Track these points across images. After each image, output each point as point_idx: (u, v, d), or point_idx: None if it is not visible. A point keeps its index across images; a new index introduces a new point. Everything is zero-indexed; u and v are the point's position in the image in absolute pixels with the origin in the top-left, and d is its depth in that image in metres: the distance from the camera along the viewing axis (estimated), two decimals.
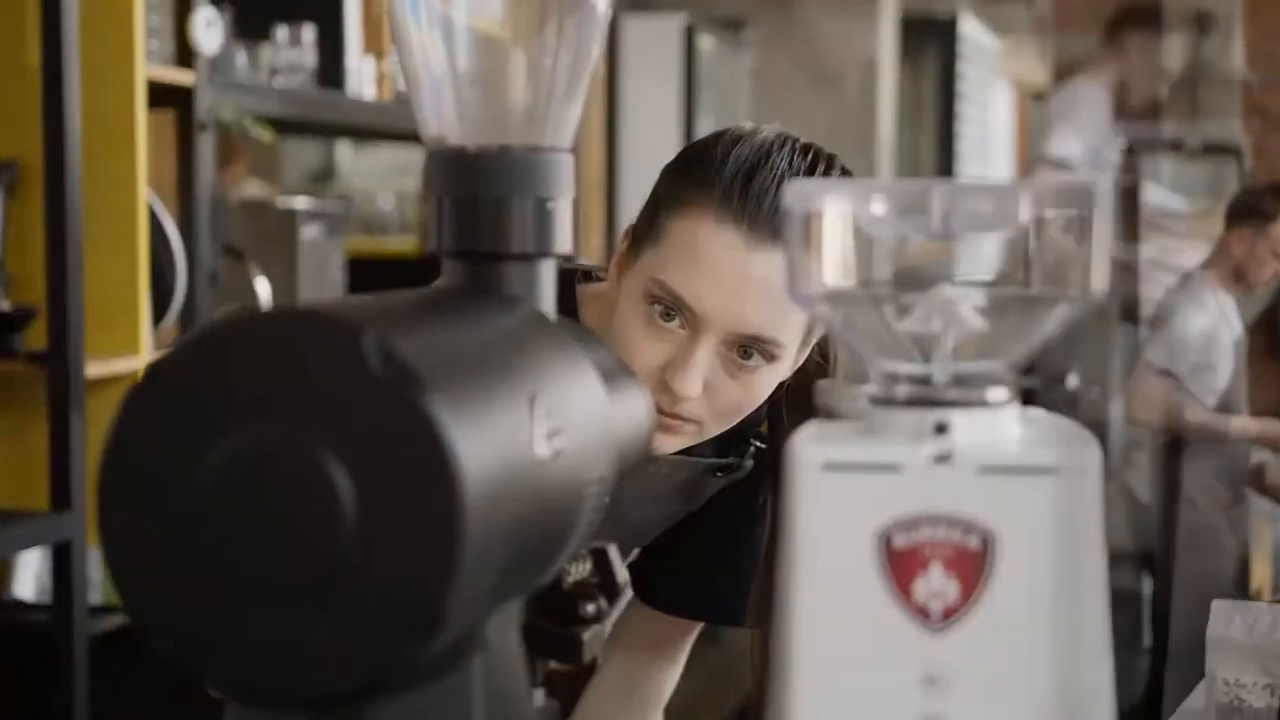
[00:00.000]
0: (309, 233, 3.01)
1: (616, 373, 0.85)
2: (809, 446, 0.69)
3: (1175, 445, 4.08)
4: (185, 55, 2.62)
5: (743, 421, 1.34)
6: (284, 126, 3.12)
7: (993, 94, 8.11)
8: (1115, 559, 4.96)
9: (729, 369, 1.25)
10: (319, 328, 0.61)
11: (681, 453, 1.35)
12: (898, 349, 0.72)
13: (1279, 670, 1.90)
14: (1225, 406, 4.00)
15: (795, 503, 0.69)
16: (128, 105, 2.43)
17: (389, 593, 0.60)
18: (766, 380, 1.27)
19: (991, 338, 0.71)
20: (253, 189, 4.03)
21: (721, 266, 1.21)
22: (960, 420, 0.69)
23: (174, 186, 2.61)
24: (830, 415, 0.76)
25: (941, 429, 0.69)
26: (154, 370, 0.62)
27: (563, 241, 0.81)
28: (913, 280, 0.73)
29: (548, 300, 0.80)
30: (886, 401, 0.71)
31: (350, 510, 0.60)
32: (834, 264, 0.72)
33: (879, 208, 0.71)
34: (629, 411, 0.84)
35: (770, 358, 1.25)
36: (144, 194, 2.45)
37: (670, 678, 1.51)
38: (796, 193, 0.71)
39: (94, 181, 2.40)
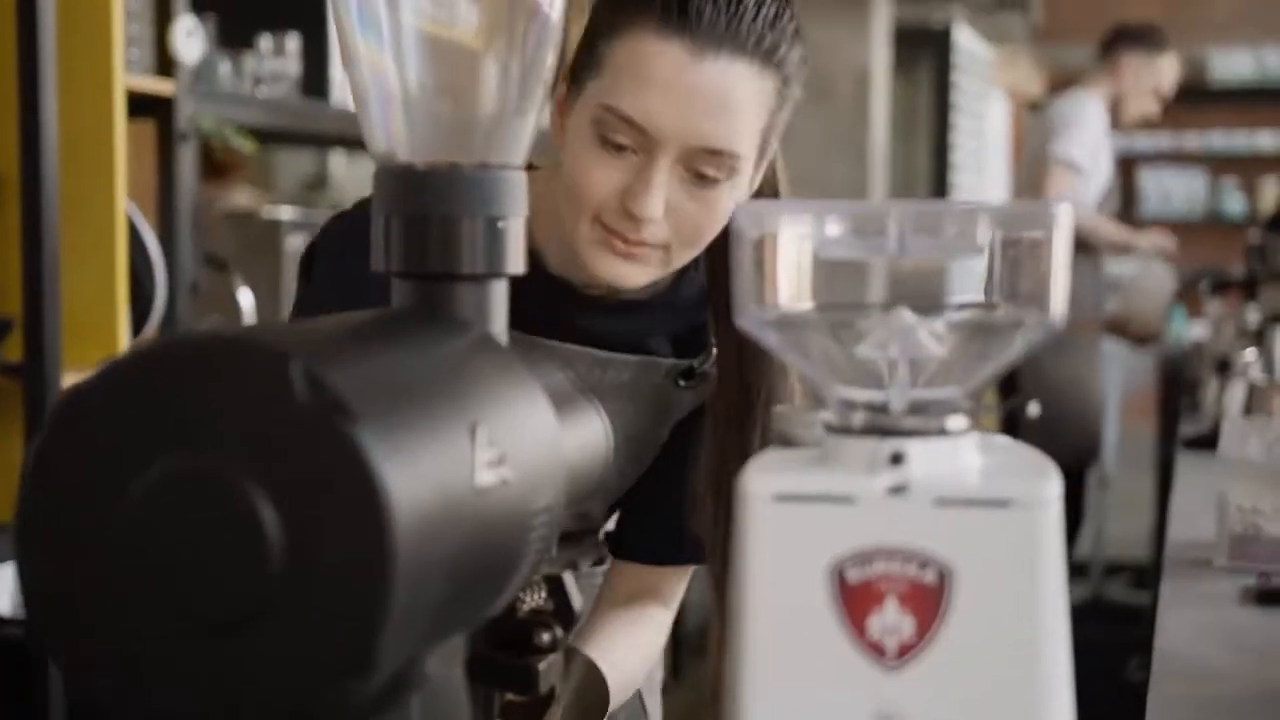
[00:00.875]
0: (294, 243, 2.98)
1: (569, 396, 0.83)
2: (760, 477, 0.67)
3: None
4: (166, 65, 2.59)
5: (699, 328, 1.37)
6: (268, 136, 3.10)
7: (988, 104, 8.09)
8: None
9: (688, 189, 1.23)
10: (245, 354, 0.59)
11: (641, 352, 1.36)
12: (854, 374, 0.70)
13: None
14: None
15: (746, 535, 0.66)
16: (106, 115, 2.40)
17: (318, 631, 0.58)
18: (726, 199, 1.24)
19: (951, 363, 0.69)
20: (245, 198, 4.00)
21: (669, 81, 1.19)
22: (917, 450, 0.66)
23: (155, 196, 2.58)
24: (786, 442, 0.74)
25: (897, 459, 0.66)
26: (76, 395, 0.60)
27: (515, 262, 0.78)
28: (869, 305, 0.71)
29: (499, 321, 0.78)
30: (842, 430, 0.68)
31: (276, 545, 0.58)
32: (787, 287, 0.69)
33: (834, 230, 0.68)
34: (582, 435, 0.81)
35: (730, 171, 1.23)
36: (123, 204, 2.42)
37: (666, 622, 1.48)
38: (748, 214, 0.68)
39: (72, 192, 2.38)
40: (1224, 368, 3.17)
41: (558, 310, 1.34)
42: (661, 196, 1.21)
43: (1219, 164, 9.70)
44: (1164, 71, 4.45)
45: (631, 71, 1.20)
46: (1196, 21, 9.67)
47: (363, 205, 1.36)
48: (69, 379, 2.32)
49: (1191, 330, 6.37)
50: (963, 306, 0.69)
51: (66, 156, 2.35)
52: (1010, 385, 4.19)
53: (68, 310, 2.33)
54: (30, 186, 2.30)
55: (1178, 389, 4.71)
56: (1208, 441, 2.66)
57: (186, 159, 2.60)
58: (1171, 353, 5.27)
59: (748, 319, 0.69)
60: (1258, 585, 1.72)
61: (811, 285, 0.69)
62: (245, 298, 2.83)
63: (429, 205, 0.77)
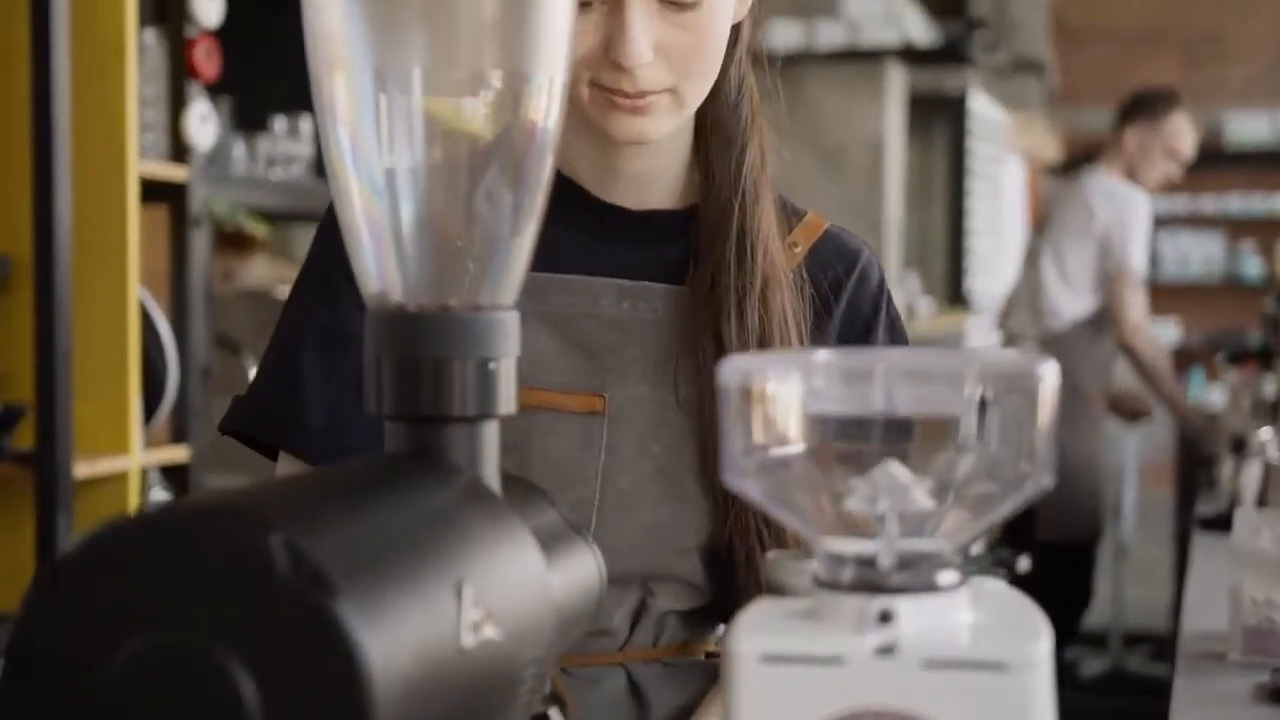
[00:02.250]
0: None
1: (561, 534, 0.82)
2: (747, 637, 0.66)
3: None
4: (180, 150, 2.61)
5: None
6: (282, 217, 3.11)
7: (1004, 168, 8.10)
8: None
9: (670, 19, 1.16)
10: (225, 526, 0.59)
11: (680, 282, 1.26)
12: (842, 526, 0.69)
13: None
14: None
15: (733, 695, 0.66)
16: (120, 201, 2.42)
17: None
18: (716, 18, 1.18)
19: (941, 516, 0.68)
20: (264, 268, 4.02)
21: None
22: (906, 607, 0.66)
23: (168, 280, 2.60)
24: (777, 590, 0.73)
25: (886, 617, 0.66)
26: (56, 569, 0.60)
27: (507, 402, 0.78)
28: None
29: (490, 463, 0.78)
30: (830, 584, 0.68)
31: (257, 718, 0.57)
32: (773, 440, 0.69)
33: (820, 382, 0.68)
34: (573, 576, 0.81)
35: None
36: (135, 290, 2.43)
37: None
38: (733, 368, 0.68)
39: (85, 278, 2.39)
40: (1239, 446, 3.15)
41: (592, 233, 1.27)
42: (644, 38, 1.15)
43: (1236, 227, 9.70)
44: (1173, 133, 4.44)
45: None
46: (1213, 85, 9.70)
47: None
48: (81, 467, 2.32)
49: (1210, 395, 6.35)
50: (953, 459, 0.69)
51: (79, 242, 2.37)
52: None
53: (79, 397, 2.34)
54: (43, 272, 2.32)
55: (1195, 459, 4.69)
56: (1224, 522, 2.65)
57: (199, 244, 2.61)
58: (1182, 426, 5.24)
59: (733, 472, 0.69)
60: (1271, 682, 1.70)
61: (798, 437, 0.69)
62: None
63: (420, 348, 0.77)
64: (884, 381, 0.68)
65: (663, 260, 1.27)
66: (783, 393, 0.68)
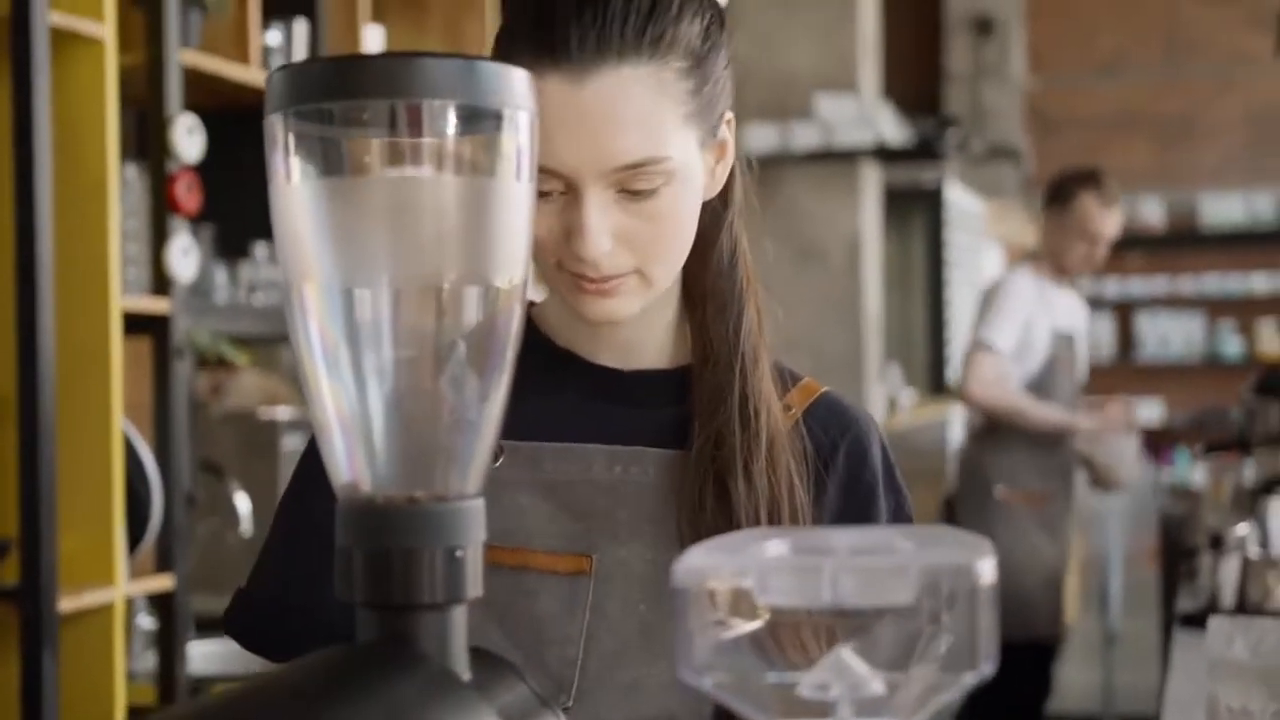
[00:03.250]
0: (291, 443, 3.02)
1: (530, 712, 0.85)
2: None
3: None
4: (162, 282, 2.65)
5: None
6: (265, 341, 3.15)
7: (982, 255, 8.18)
8: None
9: (629, 209, 1.17)
10: None
11: (674, 438, 1.25)
12: (796, 710, 0.72)
13: None
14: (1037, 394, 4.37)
15: None
16: (103, 336, 2.45)
17: None
18: (677, 203, 1.18)
19: (891, 700, 0.71)
20: (251, 383, 4.04)
21: (558, 115, 1.14)
22: None
23: (151, 411, 2.63)
24: None
25: None
26: None
27: (474, 587, 0.81)
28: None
29: (459, 646, 0.81)
30: None
31: None
32: (728, 631, 0.72)
33: (772, 577, 0.71)
34: None
35: (665, 176, 1.16)
36: (119, 423, 2.46)
37: None
38: (686, 569, 0.71)
39: (69, 412, 2.42)
40: (1217, 542, 3.17)
41: (584, 395, 1.28)
42: (602, 230, 1.16)
43: (1215, 307, 9.79)
44: (1083, 215, 4.37)
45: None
46: (1187, 168, 9.82)
47: None
48: (65, 601, 2.34)
49: (1194, 475, 6.38)
50: (900, 648, 0.72)
51: (64, 376, 2.40)
52: None
53: (64, 530, 2.36)
54: (28, 408, 2.35)
55: (1178, 546, 4.70)
56: (1203, 619, 2.67)
57: (181, 374, 2.64)
58: (1170, 510, 5.27)
59: (685, 663, 0.72)
60: None
61: (750, 629, 0.72)
62: (242, 503, 2.86)
63: (390, 539, 0.80)
64: (831, 576, 0.71)
65: (655, 423, 1.28)
66: (736, 587, 0.72)
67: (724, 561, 0.73)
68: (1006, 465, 4.33)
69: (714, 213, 1.28)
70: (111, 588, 2.44)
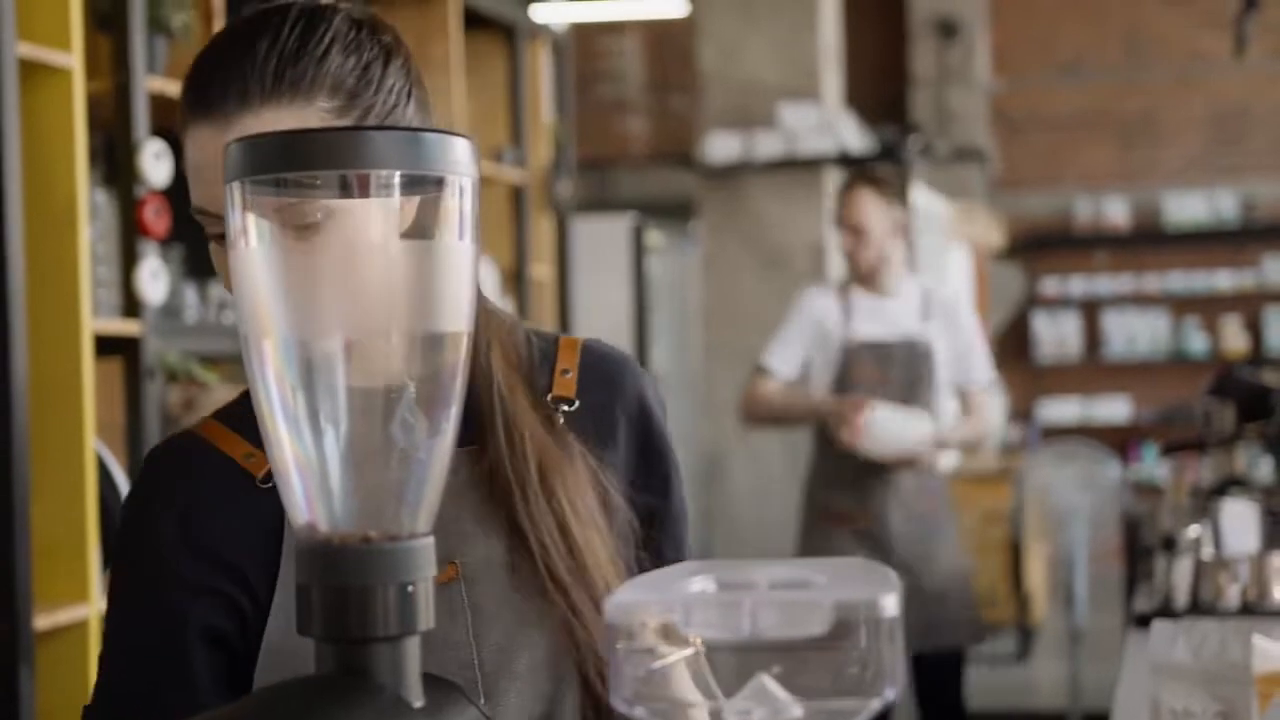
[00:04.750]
0: None
1: None
2: None
3: None
4: (132, 304, 2.70)
5: None
6: (235, 359, 3.20)
7: (949, 256, 8.25)
8: None
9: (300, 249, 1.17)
10: None
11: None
12: None
13: (1232, 695, 1.78)
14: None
15: None
16: (75, 358, 2.50)
17: None
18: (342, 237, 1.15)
19: None
20: (224, 396, 4.08)
21: (211, 160, 1.18)
22: None
23: (123, 431, 2.68)
24: None
25: None
26: None
27: (425, 619, 0.87)
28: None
29: (412, 675, 0.86)
30: None
31: None
32: (655, 662, 0.78)
33: (697, 615, 0.77)
34: None
35: (326, 213, 1.12)
36: (91, 444, 2.51)
37: None
38: (616, 604, 0.77)
39: (42, 434, 2.46)
40: (1170, 544, 3.24)
41: None
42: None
43: (1180, 304, 9.90)
44: (836, 207, 4.15)
45: (189, 168, 1.21)
46: (1150, 167, 9.93)
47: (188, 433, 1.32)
48: (40, 619, 2.39)
49: (1159, 470, 6.46)
50: (813, 675, 0.78)
51: (36, 399, 2.44)
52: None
53: (37, 549, 2.41)
54: (1, 428, 2.39)
55: (1137, 545, 4.77)
56: (1159, 618, 2.73)
57: (153, 395, 2.69)
58: (1133, 508, 5.34)
59: (619, 695, 0.77)
60: None
61: (677, 659, 0.78)
62: None
63: (345, 577, 0.86)
64: (751, 610, 0.77)
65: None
66: (663, 622, 0.78)
67: (651, 598, 0.79)
68: (820, 488, 4.17)
69: None
70: (86, 605, 2.49)
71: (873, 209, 4.02)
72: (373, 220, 0.86)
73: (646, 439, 1.37)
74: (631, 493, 1.33)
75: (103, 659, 1.30)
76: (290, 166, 0.86)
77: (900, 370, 4.11)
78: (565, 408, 1.32)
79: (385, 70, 1.24)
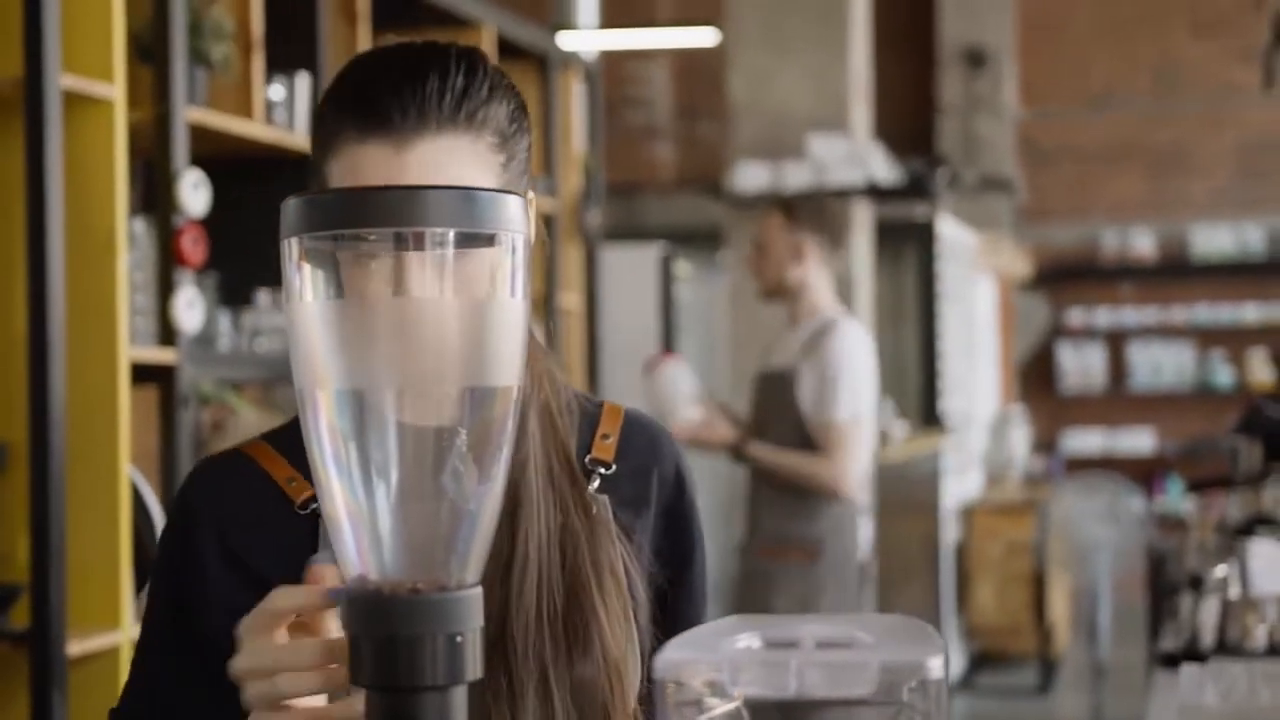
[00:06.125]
0: None
1: None
2: None
3: None
4: (169, 333, 2.73)
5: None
6: (268, 384, 3.23)
7: (975, 287, 8.25)
8: None
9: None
10: None
11: None
12: None
13: None
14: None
15: None
16: (111, 386, 2.53)
17: None
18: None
19: None
20: (252, 420, 4.10)
21: (381, 178, 1.18)
22: None
23: (157, 458, 2.70)
24: None
25: None
26: None
27: (474, 669, 0.89)
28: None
29: None
30: None
31: None
32: (701, 717, 0.79)
33: (743, 674, 0.79)
34: None
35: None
36: (126, 471, 2.53)
37: None
38: (664, 662, 0.79)
39: (78, 461, 2.49)
40: (1197, 583, 3.23)
41: None
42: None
43: (1206, 336, 9.87)
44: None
45: (348, 183, 1.20)
46: (1177, 200, 9.91)
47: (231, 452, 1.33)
48: (73, 645, 2.41)
49: (1184, 505, 6.42)
50: None
51: (73, 426, 2.47)
52: None
53: (72, 575, 2.43)
54: (38, 455, 2.42)
55: (1161, 580, 4.75)
56: (1183, 659, 2.72)
57: (187, 423, 2.72)
58: (1155, 541, 5.32)
59: None
60: None
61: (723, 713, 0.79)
62: None
63: (395, 627, 0.87)
64: (797, 669, 0.78)
65: None
66: (710, 680, 0.79)
67: (698, 656, 0.80)
68: (763, 524, 4.06)
69: None
70: (118, 631, 2.51)
71: (775, 230, 4.02)
72: (427, 276, 0.88)
73: (677, 510, 1.36)
74: (654, 565, 1.32)
75: (135, 661, 1.32)
76: (347, 224, 0.88)
77: (761, 398, 4.06)
78: (603, 470, 1.31)
79: (524, 120, 1.27)
